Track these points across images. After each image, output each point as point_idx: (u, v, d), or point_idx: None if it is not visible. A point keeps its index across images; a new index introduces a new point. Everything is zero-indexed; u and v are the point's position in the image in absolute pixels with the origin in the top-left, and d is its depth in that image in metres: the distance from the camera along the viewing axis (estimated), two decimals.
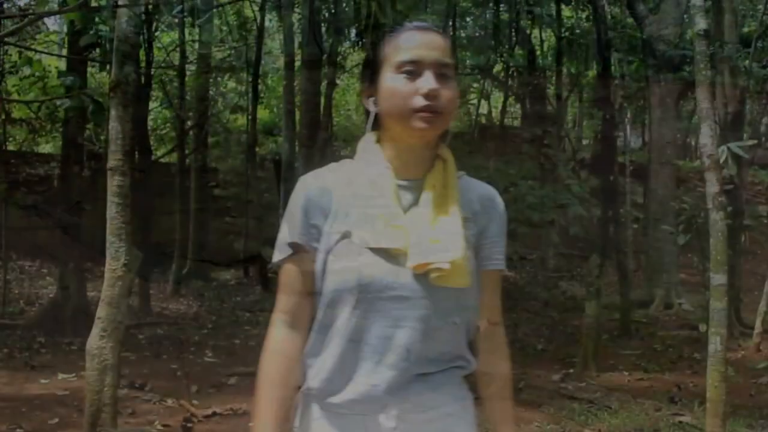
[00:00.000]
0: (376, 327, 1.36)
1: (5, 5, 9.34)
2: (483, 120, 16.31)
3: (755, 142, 10.71)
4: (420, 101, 1.36)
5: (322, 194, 1.41)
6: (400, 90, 1.37)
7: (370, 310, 1.35)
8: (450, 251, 1.34)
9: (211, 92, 15.81)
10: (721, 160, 4.10)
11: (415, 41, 1.39)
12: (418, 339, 1.36)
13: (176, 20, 11.02)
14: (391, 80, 1.39)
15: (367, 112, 1.44)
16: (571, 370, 6.73)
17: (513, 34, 13.33)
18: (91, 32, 4.29)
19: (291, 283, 1.44)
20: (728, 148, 4.23)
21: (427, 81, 1.36)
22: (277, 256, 1.44)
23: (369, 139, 1.46)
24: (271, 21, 17.25)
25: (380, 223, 1.36)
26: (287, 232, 1.43)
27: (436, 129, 1.38)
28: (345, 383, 1.37)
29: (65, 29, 11.18)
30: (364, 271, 1.35)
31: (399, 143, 1.42)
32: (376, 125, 1.45)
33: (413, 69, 1.37)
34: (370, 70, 1.45)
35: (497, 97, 19.76)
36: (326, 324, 1.39)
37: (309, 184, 1.44)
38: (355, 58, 20.39)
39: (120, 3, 3.93)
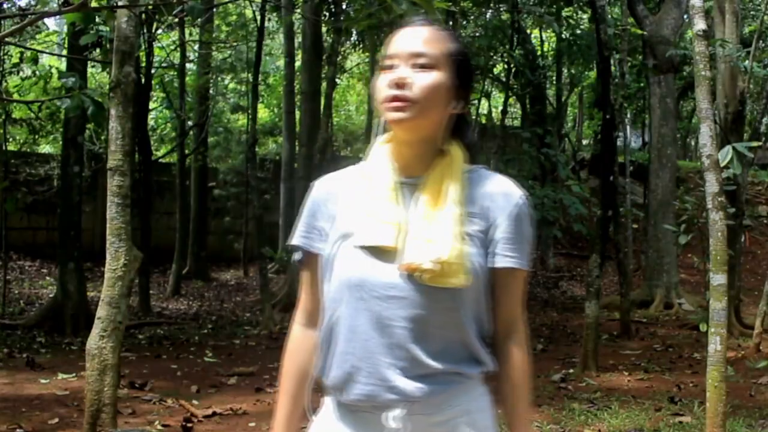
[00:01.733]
0: (371, 327, 1.36)
1: (5, 5, 9.35)
2: (483, 120, 16.28)
3: (760, 144, 10.69)
4: (387, 92, 1.37)
5: (329, 197, 1.47)
6: (378, 85, 1.40)
7: (365, 309, 1.36)
8: (439, 250, 1.33)
9: (211, 92, 15.81)
10: (726, 161, 4.09)
11: (397, 38, 1.41)
12: (414, 339, 1.34)
13: (176, 20, 11.01)
14: (378, 79, 1.41)
15: None
16: (571, 370, 6.73)
17: (513, 34, 13.31)
18: (92, 32, 4.29)
19: (304, 283, 1.52)
20: (734, 149, 4.22)
21: (397, 71, 1.37)
22: (293, 258, 1.54)
23: (379, 140, 1.49)
24: (271, 21, 17.25)
25: (373, 222, 1.37)
26: (294, 234, 1.49)
27: (408, 118, 1.36)
28: (349, 382, 1.38)
29: (65, 29, 11.18)
30: (356, 271, 1.37)
31: (398, 141, 1.43)
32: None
33: (390, 64, 1.39)
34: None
35: (497, 97, 19.76)
36: (329, 323, 1.41)
37: (318, 188, 1.49)
38: (355, 58, 20.43)
39: (120, 3, 3.93)
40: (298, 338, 1.52)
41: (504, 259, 1.40)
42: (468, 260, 1.35)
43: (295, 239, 1.49)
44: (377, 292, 1.35)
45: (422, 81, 1.36)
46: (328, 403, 1.46)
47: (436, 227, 1.35)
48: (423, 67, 1.37)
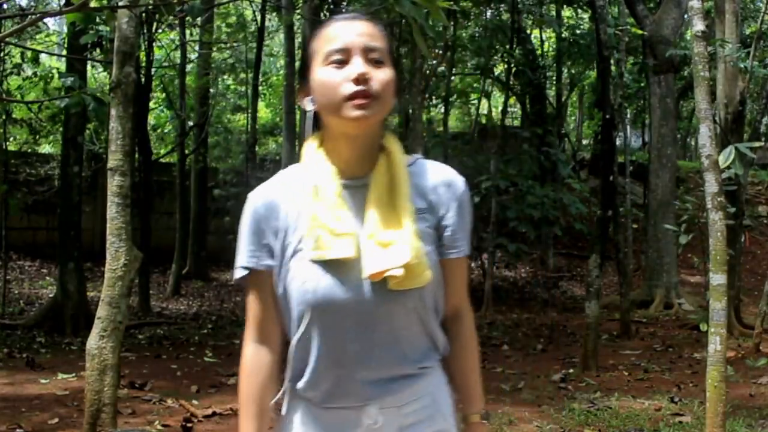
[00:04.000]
0: (341, 339, 1.34)
1: (5, 5, 9.35)
2: (483, 120, 16.29)
3: (761, 144, 10.68)
4: (350, 87, 1.30)
5: (270, 211, 1.39)
6: (329, 80, 1.32)
7: (333, 323, 1.34)
8: (402, 254, 1.30)
9: (211, 92, 15.81)
10: (728, 162, 4.09)
11: (341, 30, 1.35)
12: (384, 345, 1.35)
13: (176, 20, 11.02)
14: (320, 73, 1.34)
15: (305, 114, 1.40)
16: (571, 370, 6.73)
17: (513, 34, 13.32)
18: (92, 32, 4.29)
19: (253, 302, 1.43)
20: (736, 149, 4.22)
21: (356, 66, 1.31)
22: (235, 277, 1.43)
23: (311, 142, 1.41)
24: (271, 21, 17.27)
25: (327, 233, 1.32)
26: (239, 254, 1.42)
27: (372, 115, 1.31)
28: (325, 392, 1.38)
29: (65, 29, 11.19)
30: (318, 288, 1.32)
31: (339, 140, 1.37)
32: (318, 127, 1.41)
33: (342, 57, 1.32)
34: (303, 68, 1.41)
35: (497, 97, 19.77)
36: (297, 339, 1.38)
37: (256, 202, 1.40)
38: None
39: (120, 3, 3.94)
40: (254, 357, 1.43)
41: (455, 251, 1.42)
42: (427, 257, 1.35)
43: (243, 260, 1.40)
44: (343, 305, 1.32)
45: (381, 76, 1.32)
46: (296, 403, 1.43)
47: (394, 229, 1.32)
48: (379, 62, 1.33)
